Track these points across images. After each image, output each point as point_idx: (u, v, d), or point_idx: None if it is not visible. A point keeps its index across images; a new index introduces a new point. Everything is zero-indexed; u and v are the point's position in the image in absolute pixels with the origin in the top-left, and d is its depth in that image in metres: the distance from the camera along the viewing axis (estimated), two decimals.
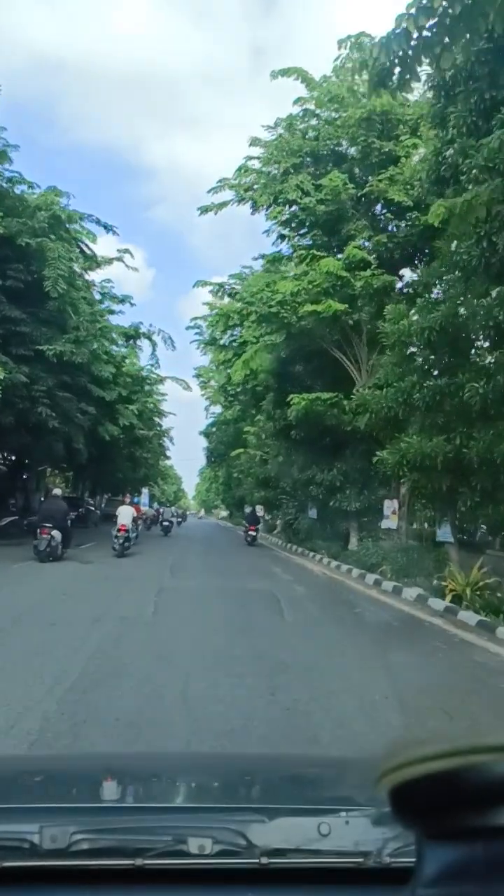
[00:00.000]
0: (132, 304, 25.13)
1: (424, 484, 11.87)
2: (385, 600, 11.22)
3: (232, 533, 38.58)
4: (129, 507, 18.69)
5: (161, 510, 34.29)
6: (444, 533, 12.70)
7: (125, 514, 17.45)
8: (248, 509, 37.29)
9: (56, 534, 14.31)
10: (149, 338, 25.48)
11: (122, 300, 25.23)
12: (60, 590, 10.47)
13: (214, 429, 54.01)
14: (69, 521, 15.38)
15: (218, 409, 52.11)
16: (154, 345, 25.74)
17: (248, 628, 7.77)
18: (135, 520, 18.58)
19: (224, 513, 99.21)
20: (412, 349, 12.48)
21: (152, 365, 26.71)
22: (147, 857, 1.01)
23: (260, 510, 40.54)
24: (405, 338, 11.88)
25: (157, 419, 33.32)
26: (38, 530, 14.10)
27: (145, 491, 70.59)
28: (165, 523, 29.51)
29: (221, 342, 34.73)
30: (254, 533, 25.89)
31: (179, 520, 36.93)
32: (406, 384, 12.05)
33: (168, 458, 54.56)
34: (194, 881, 1.03)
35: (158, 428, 31.94)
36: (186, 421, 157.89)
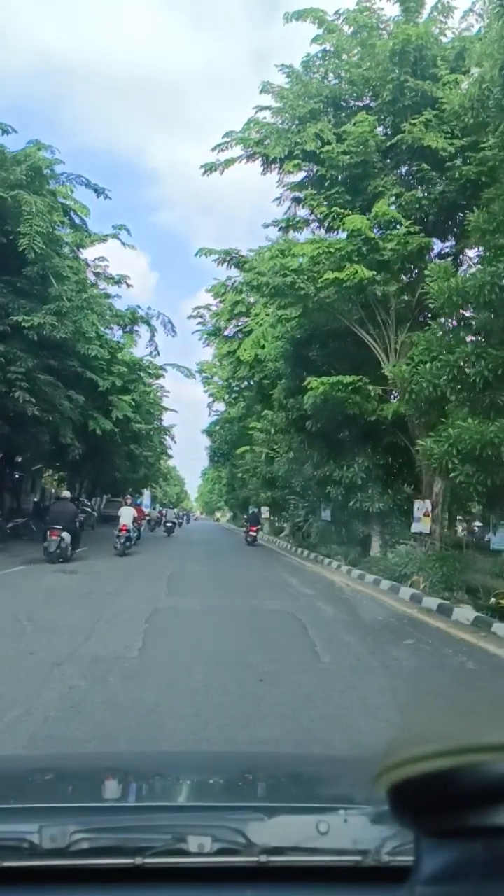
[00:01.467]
0: (129, 286, 22.83)
1: (480, 479, 9.58)
2: (436, 625, 8.92)
3: (236, 536, 36.28)
4: (131, 508, 18.66)
5: (164, 512, 34.90)
6: (502, 539, 10.42)
7: (126, 515, 17.64)
8: (253, 510, 36.90)
9: (65, 535, 14.33)
10: (147, 322, 23.20)
11: (118, 281, 22.95)
12: (26, 612, 8.21)
13: (218, 427, 51.74)
14: (78, 523, 15.43)
15: (221, 406, 50.06)
16: (153, 330, 23.47)
17: (273, 681, 5.46)
18: (135, 520, 18.78)
19: (221, 515, 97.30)
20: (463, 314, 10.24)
21: (151, 354, 24.42)
22: (146, 855, 1.00)
23: (265, 512, 38.54)
24: (457, 298, 9.61)
25: (155, 412, 30.92)
26: (48, 532, 14.11)
27: (147, 492, 68.29)
28: (169, 524, 30.28)
29: (226, 333, 32.51)
30: (254, 534, 26.74)
31: (180, 521, 35.62)
32: (457, 356, 9.79)
33: (170, 457, 52.21)
34: (194, 879, 1.02)
35: (158, 423, 29.51)
36: (188, 423, 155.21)
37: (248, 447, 33.59)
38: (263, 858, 1.00)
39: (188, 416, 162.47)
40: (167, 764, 1.99)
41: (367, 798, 1.18)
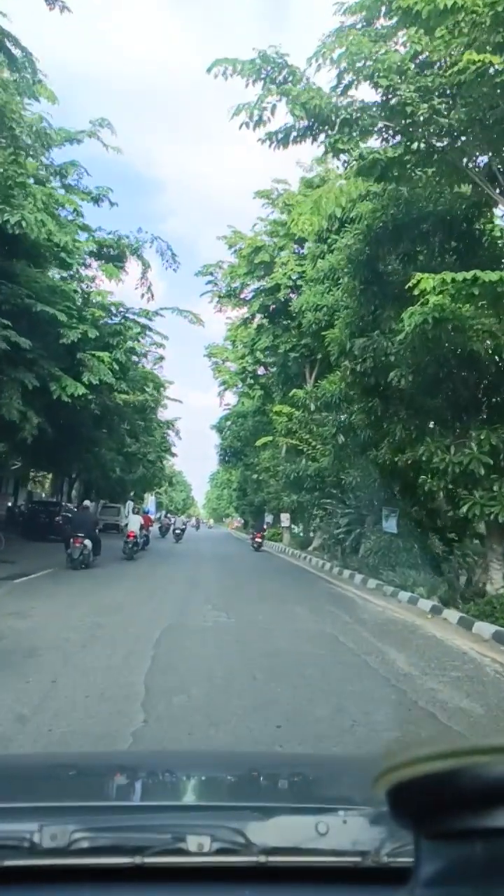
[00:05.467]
0: (113, 204, 16.24)
1: None
2: None
3: (252, 549, 29.70)
4: (138, 516, 19.25)
5: (174, 519, 35.53)
6: None
7: (134, 522, 18.23)
8: (269, 518, 35.79)
9: (88, 543, 14.30)
10: (136, 253, 16.46)
11: (98, 198, 16.37)
12: None
13: (229, 422, 45.14)
14: (98, 531, 15.73)
15: (233, 400, 43.48)
16: (145, 265, 16.78)
17: None
18: (142, 527, 19.34)
19: (214, 521, 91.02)
20: None
21: (143, 297, 17.45)
22: (146, 855, 1.00)
23: (285, 520, 32.57)
24: None
25: (150, 386, 24.13)
26: (72, 539, 14.10)
27: (151, 498, 61.75)
28: (177, 531, 30.53)
29: (244, 296, 25.91)
30: (259, 540, 27.73)
31: (184, 528, 33.32)
32: None
33: (174, 455, 45.53)
34: (193, 879, 1.02)
35: (153, 400, 22.47)
36: (195, 432, 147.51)
37: (268, 437, 26.94)
38: (263, 859, 1.00)
39: (194, 424, 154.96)
40: (167, 764, 1.95)
41: (366, 799, 1.15)
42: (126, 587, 12.38)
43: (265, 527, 32.58)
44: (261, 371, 36.36)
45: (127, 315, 17.00)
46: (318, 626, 9.08)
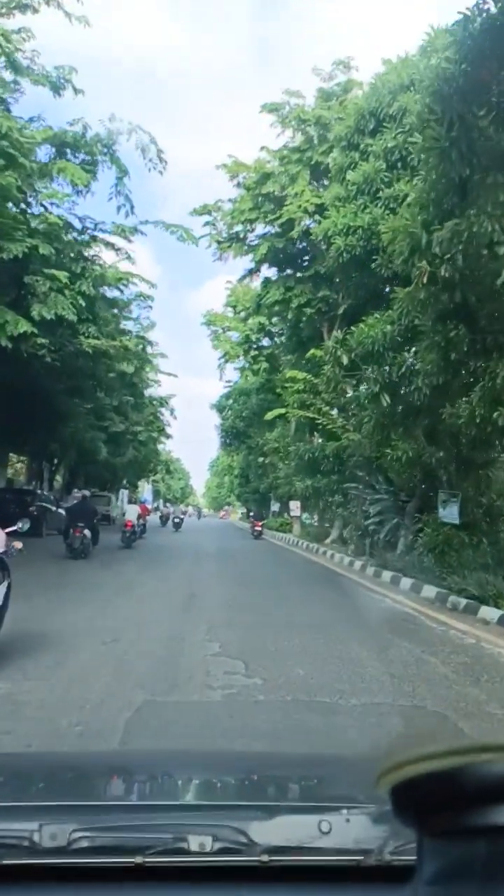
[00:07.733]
0: (78, 92, 12.11)
1: None
2: None
3: (261, 544, 25.90)
4: (135, 505, 19.72)
5: (172, 509, 35.74)
6: None
7: (131, 512, 18.68)
8: (276, 506, 35.60)
9: (87, 533, 14.37)
10: (108, 150, 12.22)
11: (57, 85, 12.22)
12: None
13: (230, 401, 41.06)
14: (96, 521, 15.72)
15: (234, 374, 39.45)
16: (121, 170, 12.62)
17: None
18: (140, 517, 19.42)
19: (206, 508, 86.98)
20: None
21: (120, 210, 13.10)
22: (147, 855, 0.98)
23: (295, 509, 28.98)
24: None
25: (131, 337, 19.94)
26: (72, 530, 14.23)
27: (148, 486, 57.83)
28: (176, 520, 30.72)
29: (251, 240, 21.70)
30: (259, 528, 28.38)
31: (182, 517, 32.34)
32: None
33: (168, 436, 41.53)
34: (195, 879, 1.00)
35: (133, 345, 18.27)
36: (193, 418, 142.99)
37: (281, 410, 22.96)
38: (265, 858, 0.99)
39: (193, 412, 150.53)
40: (168, 763, 1.90)
41: (369, 797, 1.14)
42: (97, 603, 8.56)
43: (265, 516, 33.72)
44: (266, 342, 32.41)
45: (96, 233, 12.94)
46: (404, 692, 5.16)
